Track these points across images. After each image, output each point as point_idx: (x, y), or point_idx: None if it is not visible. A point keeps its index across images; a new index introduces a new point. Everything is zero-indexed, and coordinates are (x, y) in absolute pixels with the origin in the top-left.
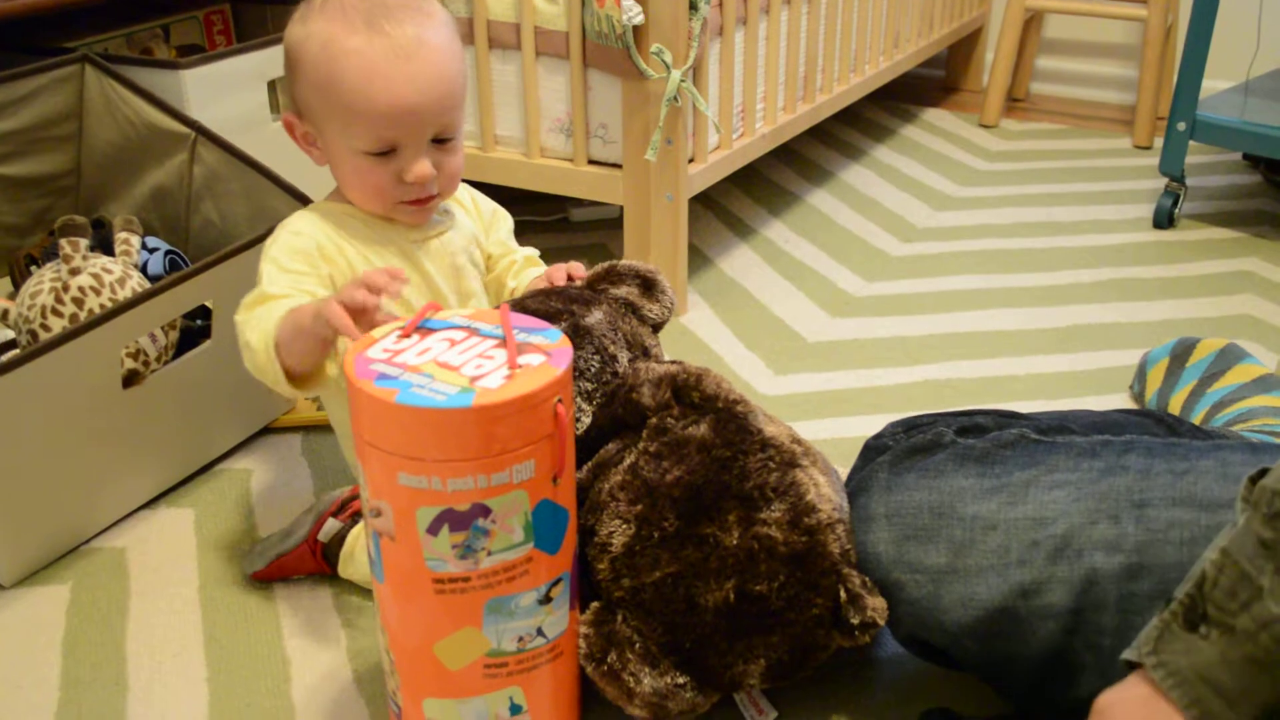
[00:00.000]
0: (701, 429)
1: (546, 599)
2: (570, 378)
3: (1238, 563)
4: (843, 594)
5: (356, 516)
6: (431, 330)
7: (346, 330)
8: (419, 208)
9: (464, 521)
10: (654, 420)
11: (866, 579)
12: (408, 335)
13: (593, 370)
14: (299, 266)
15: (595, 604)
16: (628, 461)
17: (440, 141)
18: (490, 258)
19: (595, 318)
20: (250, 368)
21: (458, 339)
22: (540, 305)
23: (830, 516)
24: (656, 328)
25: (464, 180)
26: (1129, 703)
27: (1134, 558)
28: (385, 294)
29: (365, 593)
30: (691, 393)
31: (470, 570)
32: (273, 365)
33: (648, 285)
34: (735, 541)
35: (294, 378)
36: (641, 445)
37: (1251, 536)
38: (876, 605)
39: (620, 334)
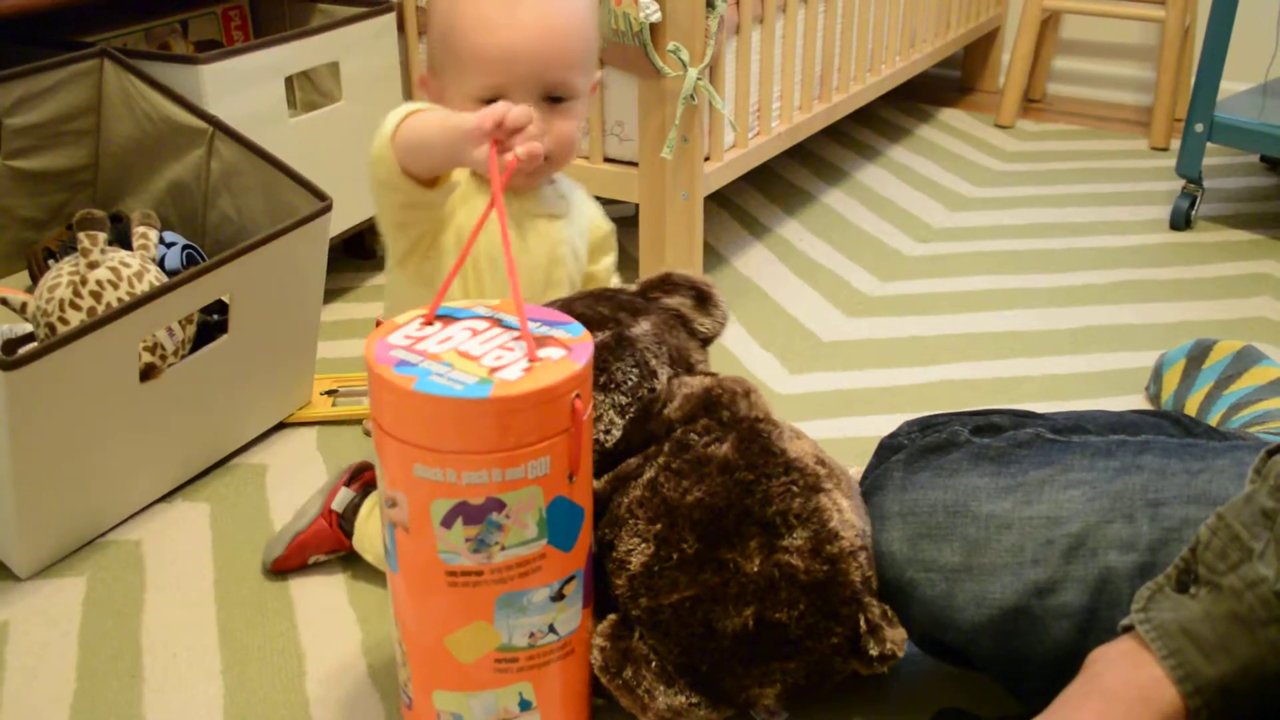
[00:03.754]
0: (724, 448)
1: (559, 596)
2: (590, 373)
3: (1230, 526)
4: (863, 624)
5: (369, 486)
6: (455, 319)
7: (479, 136)
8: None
9: (478, 515)
10: (678, 433)
11: (887, 609)
12: (430, 323)
13: (630, 384)
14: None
15: (612, 616)
16: (647, 476)
17: (553, 101)
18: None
19: (642, 329)
20: (369, 162)
21: (480, 329)
22: (587, 309)
23: (853, 544)
24: (706, 342)
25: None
26: (1113, 655)
27: (1148, 557)
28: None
29: (380, 587)
30: (722, 411)
31: (483, 564)
32: (388, 151)
33: (701, 298)
34: (756, 569)
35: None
36: (663, 460)
37: (1254, 505)
38: (896, 637)
39: (665, 348)
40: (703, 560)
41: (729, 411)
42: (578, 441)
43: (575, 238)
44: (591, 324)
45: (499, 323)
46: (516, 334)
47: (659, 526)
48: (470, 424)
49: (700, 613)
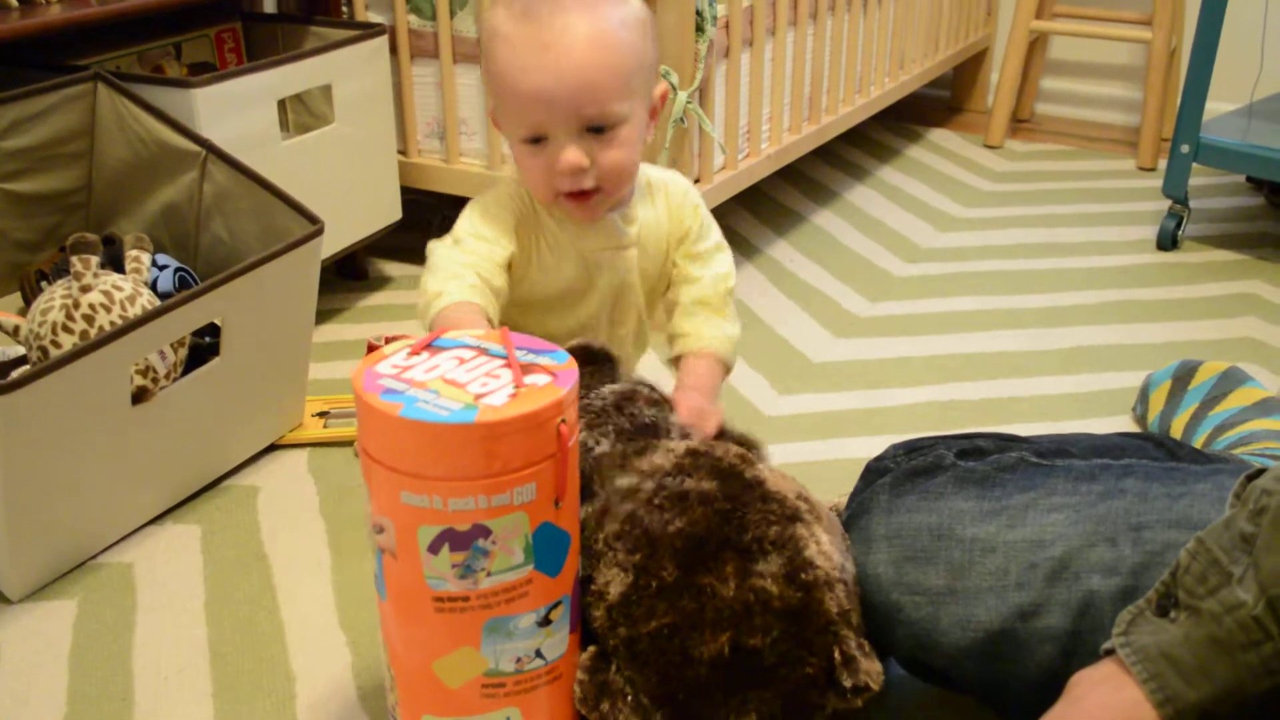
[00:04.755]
0: (704, 484)
1: (546, 621)
2: (574, 398)
3: (1210, 550)
4: (837, 655)
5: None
6: (441, 349)
7: None
8: (579, 203)
9: (464, 542)
10: (657, 476)
11: (865, 642)
12: (417, 353)
13: (638, 417)
14: (488, 232)
15: (592, 649)
16: (625, 510)
17: (596, 132)
18: (675, 266)
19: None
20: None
21: (467, 358)
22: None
23: (829, 575)
24: None
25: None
26: (1094, 677)
27: (1130, 580)
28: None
29: (371, 608)
30: (703, 458)
31: (469, 590)
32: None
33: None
34: (731, 593)
35: None
36: (643, 496)
37: (1234, 530)
38: (871, 670)
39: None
40: (681, 587)
41: (710, 459)
42: (563, 467)
43: (652, 261)
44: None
45: (485, 351)
46: (503, 362)
47: (638, 556)
48: (455, 450)
49: (678, 640)
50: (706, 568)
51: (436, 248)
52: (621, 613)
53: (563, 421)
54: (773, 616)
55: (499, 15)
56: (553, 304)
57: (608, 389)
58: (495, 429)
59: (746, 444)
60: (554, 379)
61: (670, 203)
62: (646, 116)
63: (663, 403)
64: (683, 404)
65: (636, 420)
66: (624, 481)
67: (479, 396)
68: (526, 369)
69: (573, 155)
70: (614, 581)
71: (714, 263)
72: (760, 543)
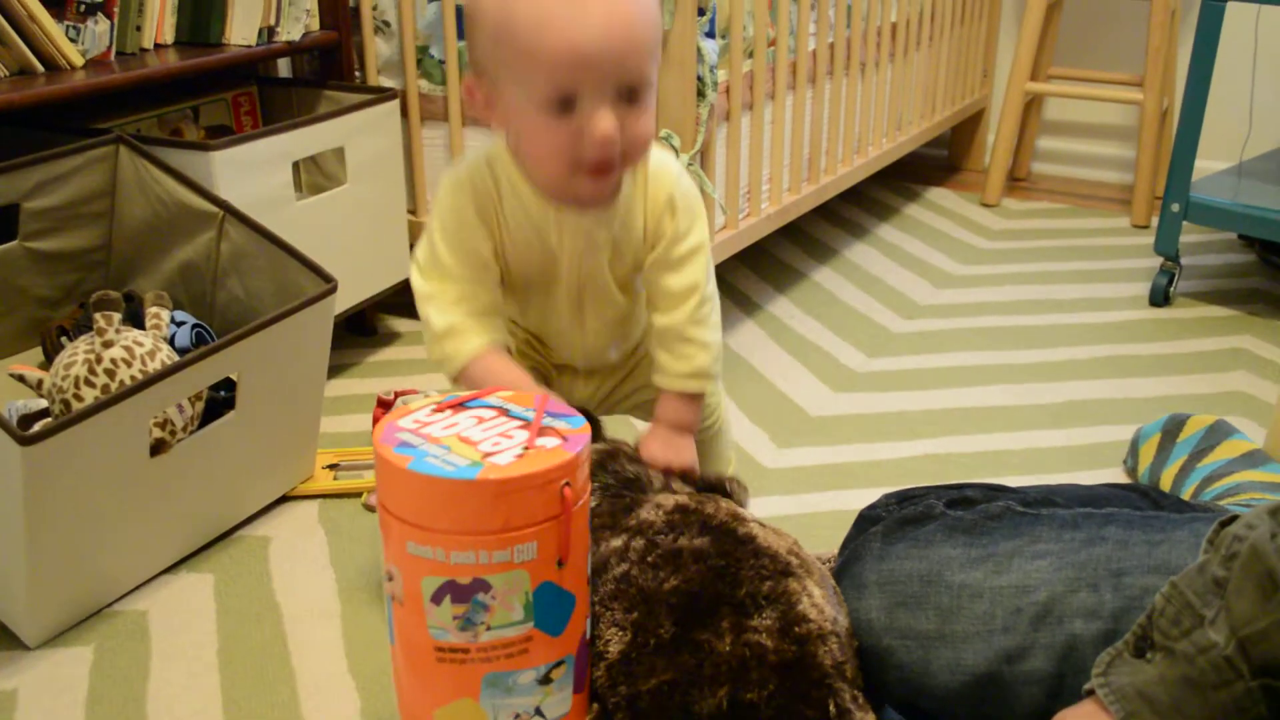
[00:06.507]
0: (697, 541)
1: (546, 679)
2: (582, 463)
3: (1184, 594)
4: (833, 708)
5: None
6: (465, 408)
7: None
8: (599, 179)
9: (465, 595)
10: (647, 534)
11: (859, 694)
12: (441, 410)
13: (624, 476)
14: (467, 272)
15: (594, 706)
16: (618, 571)
17: (626, 98)
18: (649, 274)
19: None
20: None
21: (486, 417)
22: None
23: (822, 628)
24: None
25: None
26: (1076, 716)
27: (1111, 624)
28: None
29: (380, 654)
30: (692, 515)
31: (469, 643)
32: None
33: (723, 489)
34: (727, 648)
35: None
36: (635, 556)
37: (1207, 575)
38: None
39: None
40: (679, 643)
41: (700, 515)
42: (567, 529)
43: (622, 251)
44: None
45: (506, 412)
46: (521, 423)
47: (635, 614)
48: (458, 504)
49: (677, 696)
50: (703, 624)
51: (423, 282)
52: (621, 671)
53: (567, 484)
54: (769, 670)
55: None
56: (516, 295)
57: (590, 448)
58: (497, 487)
59: (723, 488)
60: (564, 442)
61: (650, 197)
62: None
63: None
64: (645, 448)
65: (620, 475)
66: (616, 541)
67: (486, 455)
68: (541, 431)
69: (609, 122)
70: (613, 640)
71: (686, 270)
72: (754, 598)
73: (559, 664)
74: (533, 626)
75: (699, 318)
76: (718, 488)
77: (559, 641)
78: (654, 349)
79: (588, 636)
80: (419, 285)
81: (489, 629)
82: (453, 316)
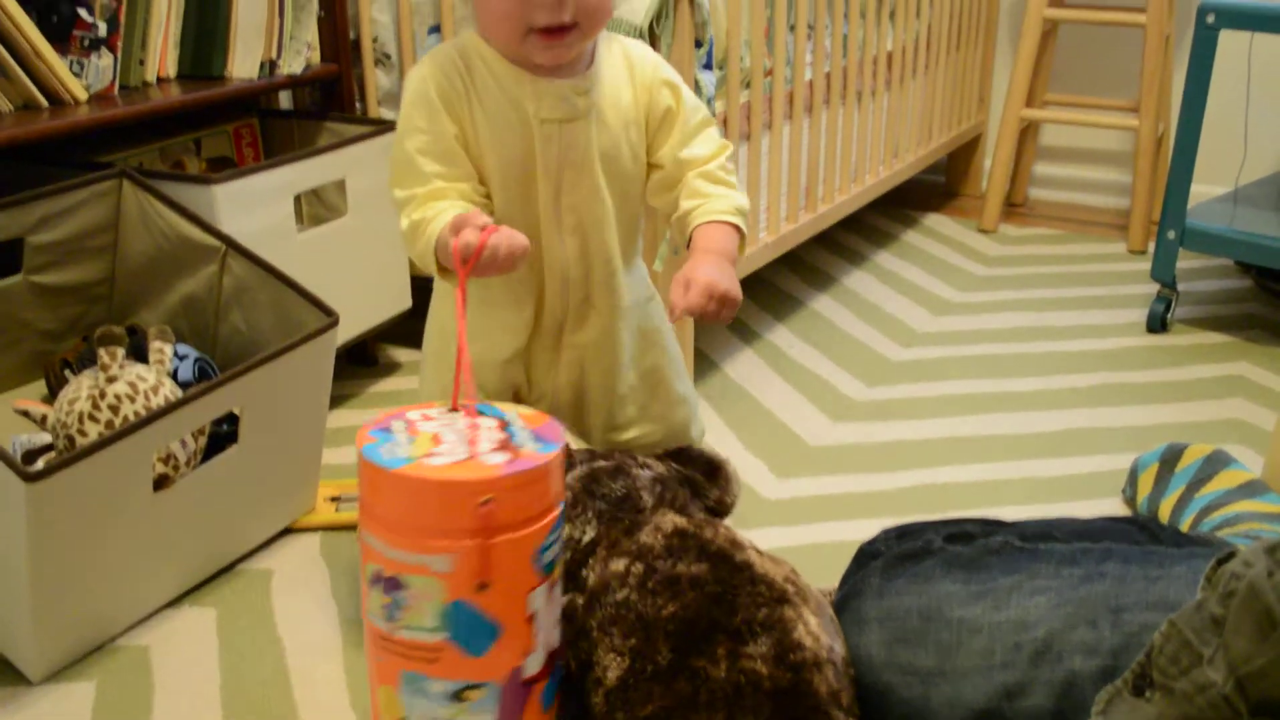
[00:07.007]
0: (694, 567)
1: (458, 697)
2: (518, 488)
3: (1182, 632)
4: None
5: None
6: (481, 414)
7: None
8: (552, 41)
9: (389, 587)
10: (646, 559)
11: None
12: (455, 411)
13: (614, 496)
14: (437, 167)
15: None
16: (618, 596)
17: None
18: (663, 170)
19: (645, 472)
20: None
21: (483, 425)
22: (604, 456)
23: (817, 656)
24: (714, 513)
25: None
26: None
27: (1110, 660)
28: (501, 268)
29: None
30: (691, 539)
31: (390, 633)
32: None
33: (711, 471)
34: (723, 675)
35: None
36: (634, 581)
37: (1205, 613)
38: None
39: (662, 490)
40: (675, 670)
41: (699, 540)
42: (487, 557)
43: (614, 143)
44: (601, 457)
45: (506, 425)
46: (505, 437)
47: (633, 641)
48: (382, 494)
49: None
50: (699, 650)
51: (397, 190)
52: (619, 697)
53: (486, 502)
54: (764, 697)
55: None
56: (494, 187)
57: (569, 476)
58: (410, 484)
59: (712, 465)
60: (505, 462)
61: (637, 77)
62: None
63: (622, 469)
64: (698, 269)
65: (610, 498)
66: (617, 565)
67: (428, 455)
68: (506, 447)
69: None
70: (611, 667)
71: (706, 137)
72: (750, 625)
73: (476, 686)
74: (446, 639)
75: (730, 169)
76: (714, 466)
77: (478, 664)
78: (689, 200)
79: (528, 674)
80: (394, 194)
81: (406, 628)
82: (425, 211)
